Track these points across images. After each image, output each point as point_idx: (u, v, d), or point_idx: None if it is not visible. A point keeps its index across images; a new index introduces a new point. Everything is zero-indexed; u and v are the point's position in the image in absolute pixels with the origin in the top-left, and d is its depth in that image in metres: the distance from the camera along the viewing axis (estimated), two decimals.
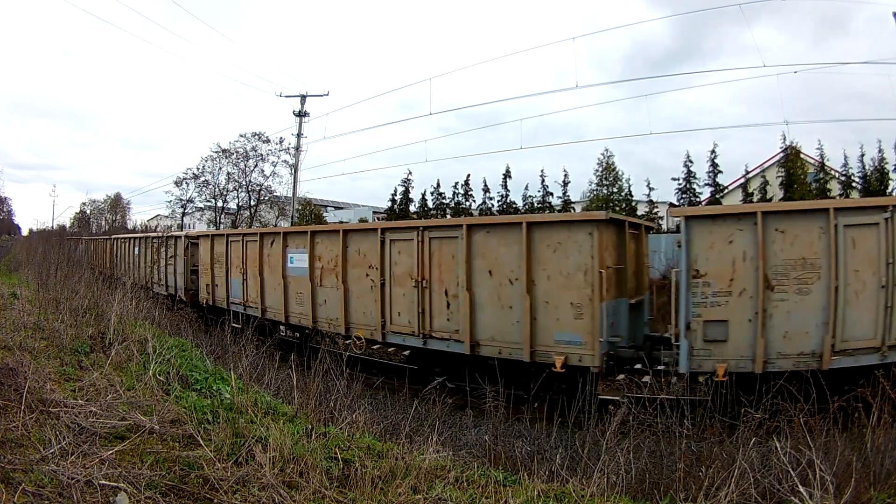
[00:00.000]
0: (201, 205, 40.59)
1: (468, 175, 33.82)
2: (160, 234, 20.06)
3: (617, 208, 26.81)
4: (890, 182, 24.08)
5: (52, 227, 59.94)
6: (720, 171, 26.50)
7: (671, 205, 27.78)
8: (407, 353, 11.27)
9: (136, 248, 21.01)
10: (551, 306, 7.93)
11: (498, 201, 31.04)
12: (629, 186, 28.58)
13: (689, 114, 77.94)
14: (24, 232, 76.35)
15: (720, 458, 4.20)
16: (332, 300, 10.83)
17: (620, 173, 28.99)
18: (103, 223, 69.73)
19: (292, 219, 30.96)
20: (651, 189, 27.59)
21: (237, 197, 38.96)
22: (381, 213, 40.63)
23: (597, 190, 29.09)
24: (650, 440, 5.02)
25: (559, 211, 28.77)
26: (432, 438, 4.44)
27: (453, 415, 7.92)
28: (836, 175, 25.44)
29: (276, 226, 34.46)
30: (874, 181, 24.03)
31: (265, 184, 38.16)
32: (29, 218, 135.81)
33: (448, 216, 31.03)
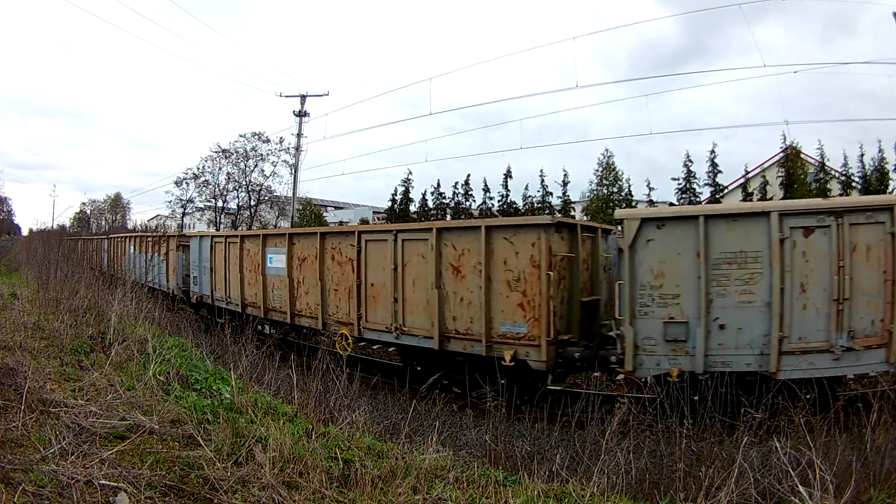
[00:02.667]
0: (201, 205, 40.68)
1: (468, 175, 33.86)
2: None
3: (616, 208, 26.83)
4: (890, 182, 24.10)
5: (52, 227, 60.01)
6: (720, 171, 26.55)
7: (671, 204, 27.79)
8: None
9: None
10: None
11: (498, 201, 31.06)
12: (629, 186, 28.64)
13: (695, 113, 78.10)
14: (24, 232, 76.52)
15: (720, 458, 4.20)
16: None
17: (620, 173, 29.09)
18: (103, 223, 69.76)
19: (292, 219, 30.97)
20: (651, 189, 27.63)
21: (237, 197, 39.03)
22: (381, 213, 40.66)
23: (597, 190, 29.13)
24: (650, 440, 5.03)
25: (559, 212, 28.80)
26: (432, 438, 4.44)
27: (453, 415, 7.93)
28: (836, 175, 25.46)
29: (275, 226, 34.45)
30: (874, 181, 24.05)
31: (265, 184, 38.25)
32: (29, 218, 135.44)
33: (448, 217, 31.05)
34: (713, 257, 7.01)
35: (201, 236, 16.37)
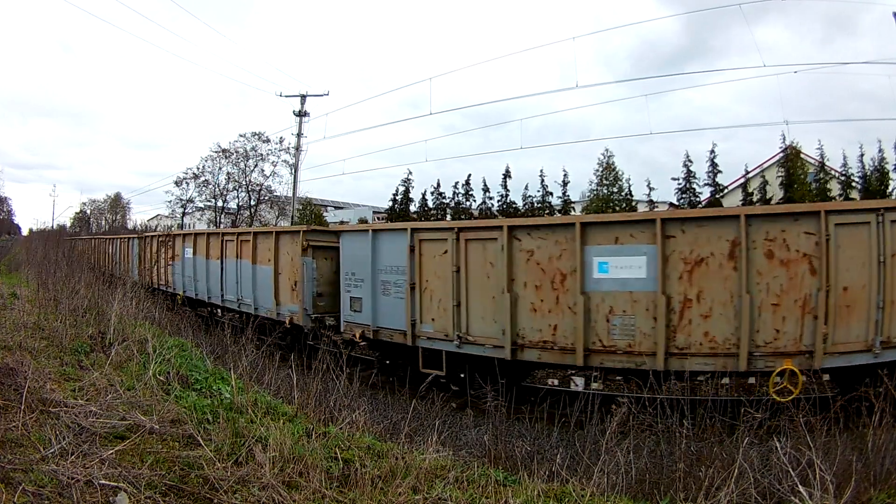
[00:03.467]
0: (201, 205, 40.76)
1: (469, 175, 33.92)
2: None
3: (616, 208, 26.85)
4: (890, 182, 24.10)
5: (52, 226, 60.02)
6: (720, 171, 26.55)
7: (671, 205, 27.79)
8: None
9: None
10: None
11: (498, 201, 31.07)
12: (629, 186, 28.65)
13: (695, 113, 78.16)
14: (25, 232, 76.54)
15: (720, 458, 4.20)
16: None
17: (620, 173, 29.11)
18: (103, 223, 69.78)
19: (292, 219, 30.99)
20: (651, 189, 27.61)
21: (237, 197, 39.11)
22: (381, 213, 40.69)
23: (597, 190, 29.15)
24: (650, 440, 5.03)
25: (560, 211, 28.79)
26: (432, 438, 4.44)
27: (453, 414, 7.93)
28: (836, 175, 25.47)
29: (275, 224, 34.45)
30: (874, 181, 24.06)
31: (265, 184, 38.34)
32: (29, 218, 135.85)
33: (448, 217, 31.06)
34: None
35: (376, 230, 9.86)
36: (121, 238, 22.98)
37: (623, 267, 7.32)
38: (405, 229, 9.31)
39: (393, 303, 9.33)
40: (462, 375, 8.39)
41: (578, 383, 7.80)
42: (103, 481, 3.01)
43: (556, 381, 8.17)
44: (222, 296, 14.01)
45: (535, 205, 29.99)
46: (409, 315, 9.02)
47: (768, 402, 5.20)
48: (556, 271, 7.67)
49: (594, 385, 7.67)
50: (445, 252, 8.66)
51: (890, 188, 23.85)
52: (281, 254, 11.83)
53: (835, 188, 25.07)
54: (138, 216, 68.09)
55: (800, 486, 3.36)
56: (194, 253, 15.36)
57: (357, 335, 9.81)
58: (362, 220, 37.96)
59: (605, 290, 7.38)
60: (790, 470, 3.62)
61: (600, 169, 29.19)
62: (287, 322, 11.16)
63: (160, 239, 18.21)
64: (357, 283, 9.96)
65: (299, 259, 11.15)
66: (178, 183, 39.06)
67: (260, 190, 38.51)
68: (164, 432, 3.99)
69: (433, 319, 8.84)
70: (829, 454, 3.96)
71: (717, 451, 4.40)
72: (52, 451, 3.30)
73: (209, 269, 14.59)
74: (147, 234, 21.40)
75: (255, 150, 37.58)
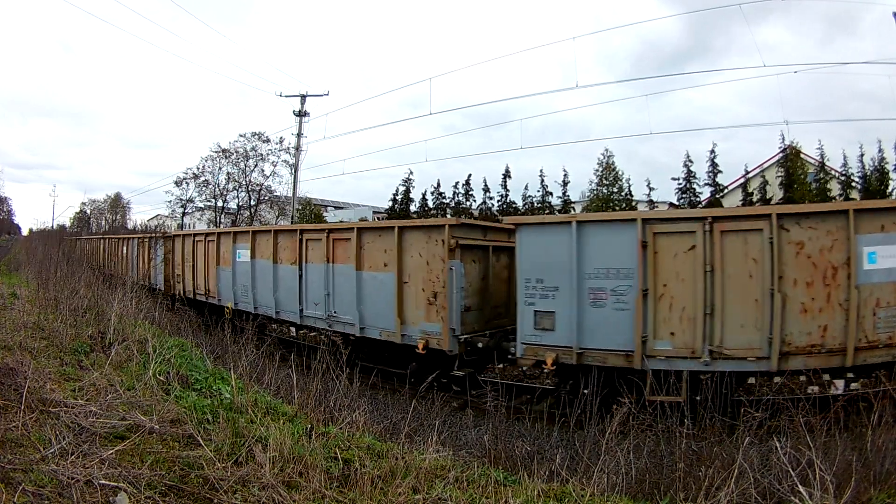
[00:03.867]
0: (201, 205, 40.74)
1: (469, 175, 33.99)
2: None
3: (616, 208, 26.85)
4: (890, 182, 24.10)
5: (53, 227, 60.05)
6: (720, 171, 26.52)
7: (671, 205, 27.77)
8: None
9: None
10: None
11: (498, 201, 31.09)
12: (629, 186, 28.64)
13: (696, 112, 78.33)
14: (25, 232, 76.63)
15: (720, 458, 4.20)
16: None
17: (621, 173, 29.10)
18: (103, 223, 69.80)
19: (292, 219, 30.99)
20: (651, 189, 27.59)
21: (237, 197, 39.09)
22: (381, 212, 40.71)
23: (597, 190, 29.15)
24: (650, 440, 5.03)
25: (560, 211, 28.81)
26: (432, 438, 4.45)
27: (453, 414, 7.93)
28: (836, 175, 25.47)
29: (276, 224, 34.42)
30: (874, 181, 24.05)
31: (265, 184, 38.33)
32: (29, 218, 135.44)
33: (448, 216, 31.09)
34: None
35: (583, 222, 7.83)
36: (139, 238, 19.29)
37: (890, 256, 6.73)
38: (633, 220, 7.50)
39: (608, 316, 7.47)
40: (697, 398, 6.67)
41: (839, 386, 6.86)
42: (103, 481, 3.01)
43: (816, 388, 7.08)
44: (301, 310, 10.95)
45: (535, 205, 30.02)
46: (640, 330, 7.24)
47: (768, 402, 5.20)
48: (827, 265, 6.76)
49: (853, 386, 6.78)
50: (692, 248, 7.12)
51: (890, 188, 23.85)
52: (407, 255, 9.13)
53: (835, 188, 25.08)
54: (138, 216, 68.06)
55: (800, 486, 3.37)
56: (253, 256, 12.27)
57: (548, 361, 7.71)
58: (363, 220, 37.98)
59: (874, 282, 6.71)
60: (790, 470, 3.62)
61: (600, 169, 29.21)
62: (420, 346, 8.82)
63: (197, 238, 14.94)
64: (546, 292, 7.87)
65: (440, 262, 8.63)
66: (178, 183, 39.06)
67: (260, 190, 38.51)
68: (164, 432, 3.99)
69: (672, 334, 7.21)
70: (829, 454, 3.96)
71: (717, 451, 4.41)
72: (52, 451, 3.30)
73: (278, 276, 11.53)
74: (178, 233, 17.79)
75: (255, 150, 37.60)
